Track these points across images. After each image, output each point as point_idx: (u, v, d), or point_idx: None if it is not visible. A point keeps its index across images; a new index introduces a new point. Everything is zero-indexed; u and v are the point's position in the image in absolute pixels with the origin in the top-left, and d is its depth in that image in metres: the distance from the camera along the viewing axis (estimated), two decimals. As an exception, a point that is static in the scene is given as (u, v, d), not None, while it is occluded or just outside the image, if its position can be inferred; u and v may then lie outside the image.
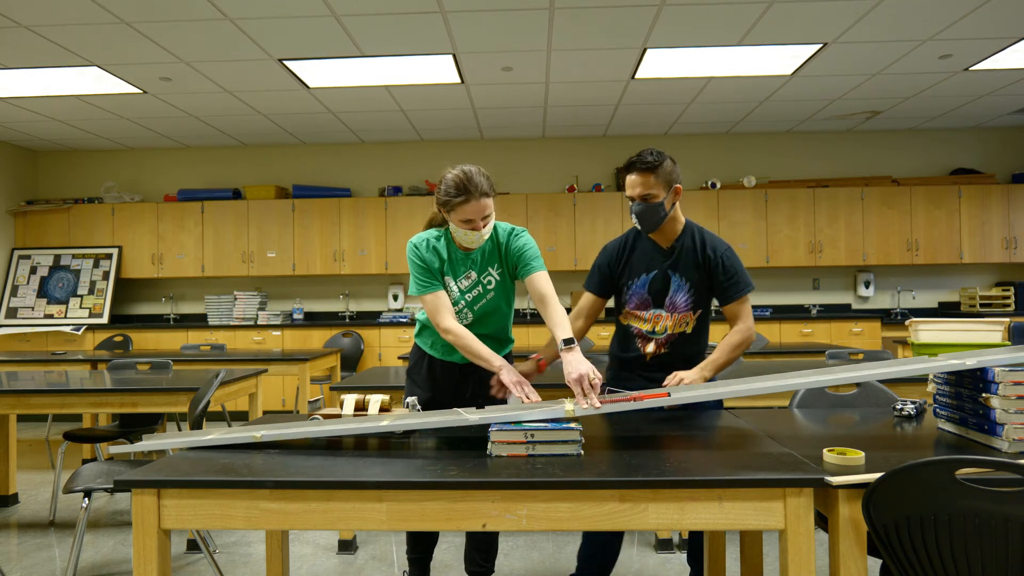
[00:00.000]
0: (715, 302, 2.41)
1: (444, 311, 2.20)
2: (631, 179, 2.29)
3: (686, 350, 2.37)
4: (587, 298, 2.47)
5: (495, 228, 2.30)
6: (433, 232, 2.32)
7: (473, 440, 1.85)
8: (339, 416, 1.95)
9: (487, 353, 2.14)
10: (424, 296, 2.23)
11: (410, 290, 2.29)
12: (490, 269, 2.31)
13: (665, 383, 2.13)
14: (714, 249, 2.33)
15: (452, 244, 2.28)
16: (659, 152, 2.27)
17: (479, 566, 2.52)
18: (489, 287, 2.31)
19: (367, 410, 1.97)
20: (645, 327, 2.38)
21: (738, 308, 2.33)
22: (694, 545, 2.55)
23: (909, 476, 1.29)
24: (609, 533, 2.38)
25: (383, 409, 1.97)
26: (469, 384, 2.38)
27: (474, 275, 2.30)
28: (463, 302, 2.30)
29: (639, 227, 2.33)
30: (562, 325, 2.08)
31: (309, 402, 2.04)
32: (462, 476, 1.49)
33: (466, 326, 2.25)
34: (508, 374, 2.08)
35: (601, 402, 1.83)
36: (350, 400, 1.98)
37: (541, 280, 2.21)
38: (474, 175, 2.15)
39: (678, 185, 2.30)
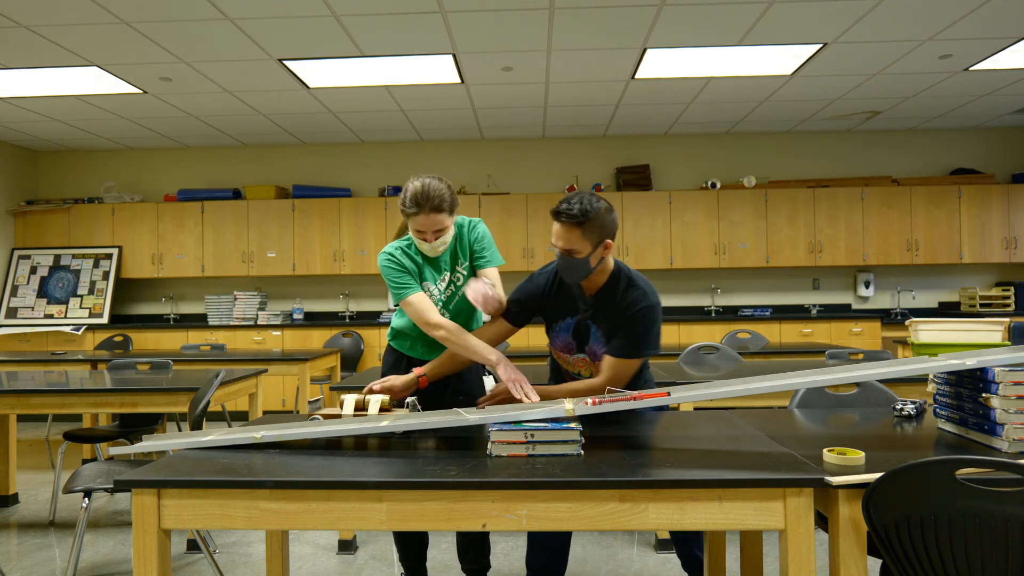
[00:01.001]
0: None
1: (431, 309, 2.20)
2: (555, 228, 2.06)
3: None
4: (499, 323, 2.24)
5: (455, 222, 2.33)
6: (404, 241, 2.33)
7: (473, 440, 1.85)
8: (339, 416, 1.95)
9: (482, 347, 2.12)
10: (408, 298, 2.21)
11: (391, 300, 2.29)
12: (458, 268, 2.35)
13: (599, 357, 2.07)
14: (631, 305, 2.11)
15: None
16: (593, 200, 2.03)
17: (474, 563, 2.53)
18: (459, 284, 2.34)
19: (367, 410, 1.96)
20: (572, 370, 2.30)
21: (612, 362, 2.12)
22: (680, 547, 2.50)
23: (909, 476, 1.29)
24: (558, 540, 2.28)
25: (383, 409, 1.96)
26: (448, 384, 2.36)
27: (448, 276, 2.34)
28: (440, 303, 2.32)
29: (561, 276, 2.17)
30: (481, 346, 2.10)
31: (309, 402, 2.04)
32: (462, 476, 1.49)
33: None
34: (505, 370, 2.05)
35: (601, 402, 1.83)
36: (350, 400, 1.97)
37: (491, 276, 2.23)
38: (431, 190, 2.13)
39: (609, 240, 2.07)
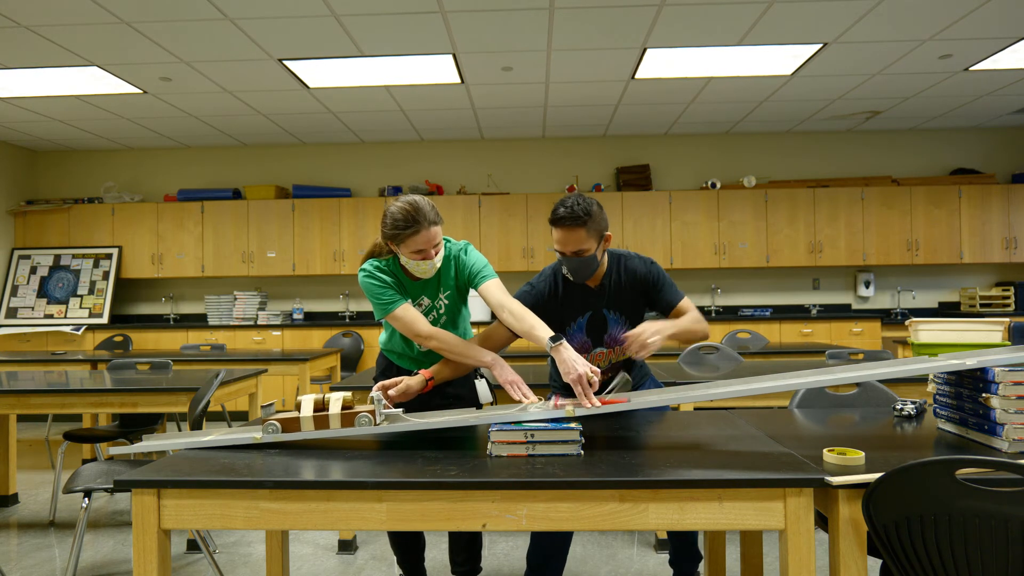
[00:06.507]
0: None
1: (420, 320, 2.17)
2: (560, 235, 2.15)
3: (628, 366, 2.39)
4: (500, 329, 2.23)
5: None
6: (381, 261, 2.29)
7: (473, 440, 1.85)
8: (296, 419, 1.82)
9: (476, 351, 2.12)
10: (394, 312, 2.17)
11: (376, 315, 2.24)
12: (440, 294, 2.31)
13: (625, 339, 2.05)
14: (636, 271, 2.29)
15: (402, 272, 2.27)
16: (587, 201, 2.14)
17: (465, 565, 2.53)
18: (441, 311, 2.33)
19: (327, 409, 1.83)
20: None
21: (683, 304, 2.28)
22: (676, 543, 2.50)
23: (909, 476, 1.29)
24: (558, 538, 2.27)
25: (345, 407, 1.84)
26: (435, 395, 2.32)
27: (427, 300, 2.30)
28: None
29: (572, 279, 2.24)
30: (538, 325, 2.04)
31: (263, 407, 1.87)
32: (462, 476, 1.49)
33: (423, 350, 2.26)
34: (502, 371, 2.04)
35: (602, 402, 1.83)
36: (308, 401, 1.84)
37: (494, 288, 2.19)
38: (421, 205, 2.11)
39: (608, 233, 2.22)
